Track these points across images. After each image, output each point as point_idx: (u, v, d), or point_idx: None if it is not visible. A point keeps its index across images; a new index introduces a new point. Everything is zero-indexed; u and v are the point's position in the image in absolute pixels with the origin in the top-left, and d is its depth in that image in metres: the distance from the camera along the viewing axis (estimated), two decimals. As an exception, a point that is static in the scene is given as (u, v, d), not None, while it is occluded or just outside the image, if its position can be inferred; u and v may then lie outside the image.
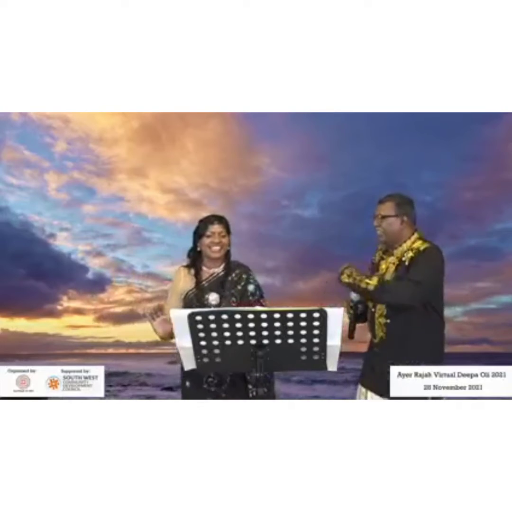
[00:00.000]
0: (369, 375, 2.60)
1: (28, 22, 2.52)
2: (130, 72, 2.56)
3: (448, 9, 2.50)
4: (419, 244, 2.51)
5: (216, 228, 2.54)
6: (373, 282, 2.42)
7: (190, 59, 2.55)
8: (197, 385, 2.53)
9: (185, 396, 2.57)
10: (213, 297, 2.54)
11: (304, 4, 2.52)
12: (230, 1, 2.53)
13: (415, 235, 2.55)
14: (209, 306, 2.51)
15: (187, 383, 2.56)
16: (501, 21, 2.49)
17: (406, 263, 2.49)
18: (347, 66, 2.55)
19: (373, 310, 2.57)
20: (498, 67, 2.51)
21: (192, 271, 2.61)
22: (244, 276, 2.62)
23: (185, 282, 2.61)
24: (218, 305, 2.52)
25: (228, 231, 2.58)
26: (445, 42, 2.52)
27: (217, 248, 2.54)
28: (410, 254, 2.50)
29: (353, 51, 2.54)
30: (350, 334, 2.61)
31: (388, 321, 2.51)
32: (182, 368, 2.55)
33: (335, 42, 2.53)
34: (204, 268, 2.61)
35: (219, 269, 2.62)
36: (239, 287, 2.59)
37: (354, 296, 2.58)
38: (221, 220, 2.58)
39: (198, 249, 2.60)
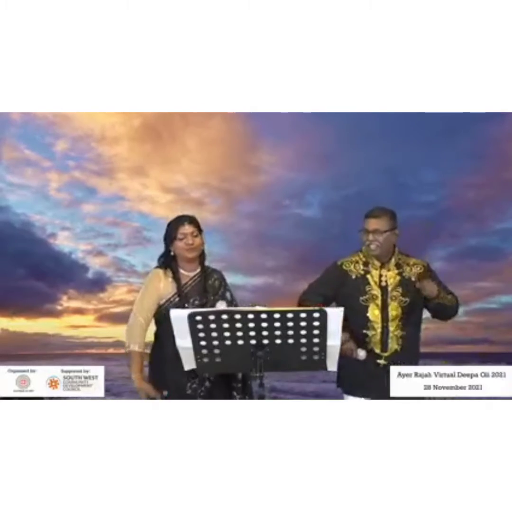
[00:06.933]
0: (369, 386, 2.50)
1: (29, 21, 2.52)
2: (131, 72, 2.56)
3: (450, 9, 2.50)
4: (418, 261, 2.64)
5: (187, 228, 2.47)
6: (453, 298, 2.56)
7: (192, 58, 2.55)
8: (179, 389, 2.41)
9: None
10: (222, 307, 2.38)
11: (306, 4, 2.52)
12: (232, 0, 2.53)
13: (397, 248, 2.63)
14: None
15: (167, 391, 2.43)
16: (503, 20, 2.49)
17: (413, 278, 2.56)
18: (349, 66, 2.54)
19: (385, 324, 2.53)
20: (500, 66, 2.51)
21: (170, 274, 2.52)
22: (222, 283, 2.61)
23: (165, 286, 2.50)
24: None
25: (199, 231, 2.52)
26: (447, 41, 2.52)
27: (191, 249, 2.48)
28: (416, 269, 2.60)
29: (354, 52, 2.53)
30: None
31: (404, 333, 2.53)
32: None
33: (337, 43, 2.53)
34: (181, 271, 2.54)
35: (196, 272, 2.57)
36: (220, 293, 2.58)
37: (361, 354, 2.48)
38: (191, 220, 2.50)
39: (172, 253, 2.53)
